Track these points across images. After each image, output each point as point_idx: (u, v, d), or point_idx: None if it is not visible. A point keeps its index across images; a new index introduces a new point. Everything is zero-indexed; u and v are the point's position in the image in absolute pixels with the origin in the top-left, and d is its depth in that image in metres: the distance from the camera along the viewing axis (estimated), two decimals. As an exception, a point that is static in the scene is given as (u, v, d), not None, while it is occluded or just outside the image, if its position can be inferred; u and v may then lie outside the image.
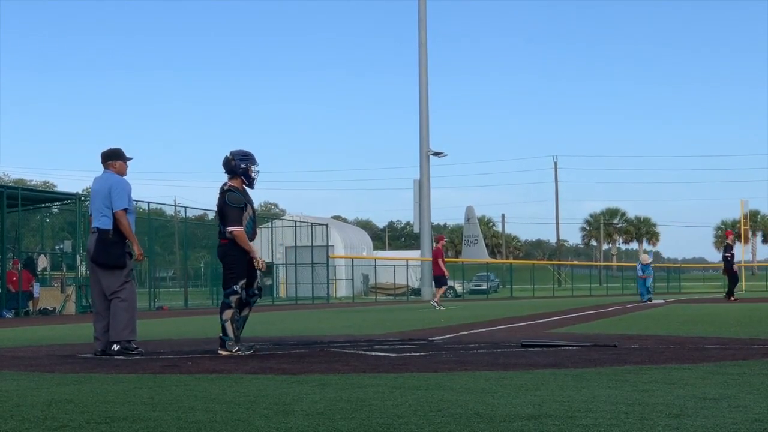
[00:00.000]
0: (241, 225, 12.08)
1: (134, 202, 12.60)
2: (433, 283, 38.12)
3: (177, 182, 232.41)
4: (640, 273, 38.67)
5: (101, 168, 12.32)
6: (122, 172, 12.34)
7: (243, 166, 12.25)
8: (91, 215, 12.38)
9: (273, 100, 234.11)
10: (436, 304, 34.00)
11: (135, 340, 12.00)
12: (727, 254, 37.80)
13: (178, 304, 44.27)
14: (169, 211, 58.40)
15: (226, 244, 12.15)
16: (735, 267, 38.70)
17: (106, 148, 12.49)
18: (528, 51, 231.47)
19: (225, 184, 12.31)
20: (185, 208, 48.53)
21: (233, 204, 12.10)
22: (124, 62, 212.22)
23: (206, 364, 10.48)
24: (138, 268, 58.94)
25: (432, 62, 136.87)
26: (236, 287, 12.04)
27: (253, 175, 12.33)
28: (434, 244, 38.57)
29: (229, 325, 12.01)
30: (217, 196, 12.31)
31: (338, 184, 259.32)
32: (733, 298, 38.03)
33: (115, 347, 11.81)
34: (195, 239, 54.21)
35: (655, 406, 6.39)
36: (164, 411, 6.42)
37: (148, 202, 43.37)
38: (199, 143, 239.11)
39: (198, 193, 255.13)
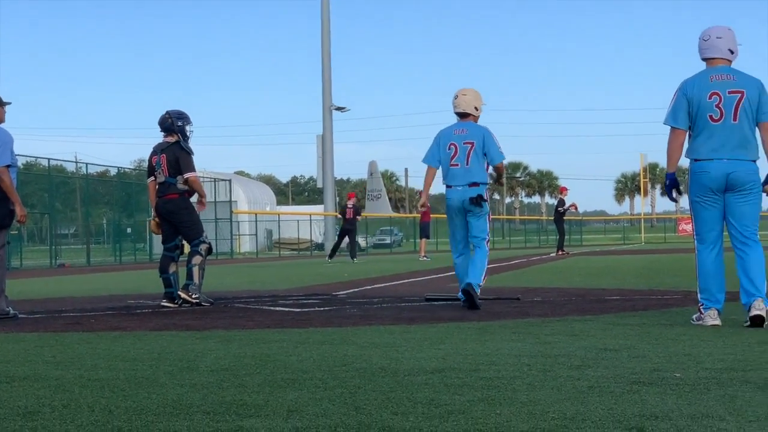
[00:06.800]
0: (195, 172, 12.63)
1: (17, 158, 11.48)
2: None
3: (78, 138, 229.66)
4: None
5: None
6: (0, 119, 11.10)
7: (179, 123, 12.67)
8: None
9: (174, 53, 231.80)
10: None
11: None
12: (559, 208, 38.19)
13: (80, 261, 43.76)
14: (70, 167, 57.62)
15: (177, 198, 12.58)
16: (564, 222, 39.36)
17: None
18: (429, 3, 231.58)
19: (165, 141, 12.71)
20: (86, 164, 47.86)
21: (190, 152, 12.60)
22: (23, 13, 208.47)
23: (109, 321, 10.39)
24: (39, 226, 58.12)
25: (334, 16, 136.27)
26: (203, 237, 12.63)
27: (188, 133, 12.74)
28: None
29: (195, 271, 12.40)
30: (157, 154, 12.59)
31: (241, 139, 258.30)
32: (562, 252, 38.36)
33: None
34: (97, 196, 53.44)
35: (557, 358, 6.47)
36: (67, 369, 6.35)
37: (49, 159, 42.65)
38: (100, 98, 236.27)
39: (99, 149, 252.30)
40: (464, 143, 11.59)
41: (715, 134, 8.50)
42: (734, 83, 8.53)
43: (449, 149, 11.65)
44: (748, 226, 8.67)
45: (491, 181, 11.95)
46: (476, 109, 11.80)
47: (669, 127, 8.72)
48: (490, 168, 11.78)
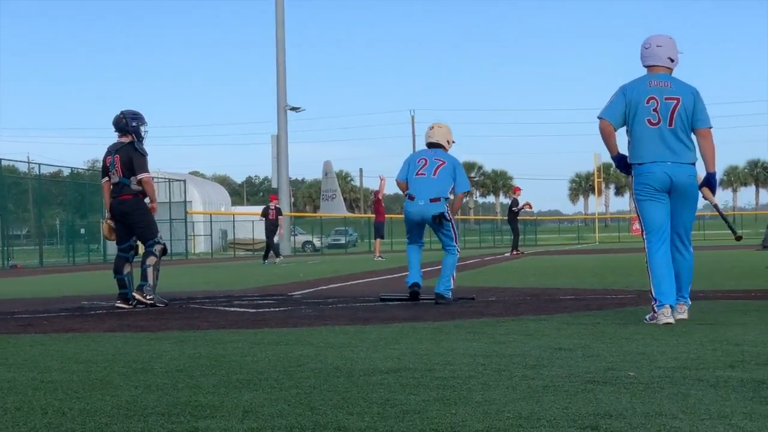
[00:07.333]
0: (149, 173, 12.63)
1: None
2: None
3: (30, 138, 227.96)
4: None
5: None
6: None
7: (134, 124, 12.63)
8: None
9: (127, 52, 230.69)
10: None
11: None
12: (513, 208, 38.47)
13: (32, 262, 43.46)
14: (23, 168, 57.22)
15: (131, 199, 12.57)
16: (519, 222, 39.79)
17: None
18: (384, 4, 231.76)
19: (119, 141, 12.65)
20: (39, 164, 47.60)
21: (144, 153, 12.55)
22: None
23: (62, 323, 10.32)
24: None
25: (289, 17, 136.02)
26: (158, 237, 12.57)
27: (142, 134, 12.69)
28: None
29: (150, 271, 12.38)
30: (111, 154, 12.60)
31: (195, 140, 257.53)
32: (516, 252, 38.63)
33: None
34: (50, 196, 53.08)
35: (512, 357, 6.48)
36: (19, 371, 6.30)
37: (0, 159, 42.42)
38: (53, 97, 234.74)
39: (52, 149, 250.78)
40: (435, 159, 12.13)
41: (654, 138, 8.73)
42: (671, 90, 8.79)
43: (419, 162, 12.19)
44: (687, 230, 9.05)
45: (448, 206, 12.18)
46: (448, 142, 12.39)
47: (599, 121, 8.89)
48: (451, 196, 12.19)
